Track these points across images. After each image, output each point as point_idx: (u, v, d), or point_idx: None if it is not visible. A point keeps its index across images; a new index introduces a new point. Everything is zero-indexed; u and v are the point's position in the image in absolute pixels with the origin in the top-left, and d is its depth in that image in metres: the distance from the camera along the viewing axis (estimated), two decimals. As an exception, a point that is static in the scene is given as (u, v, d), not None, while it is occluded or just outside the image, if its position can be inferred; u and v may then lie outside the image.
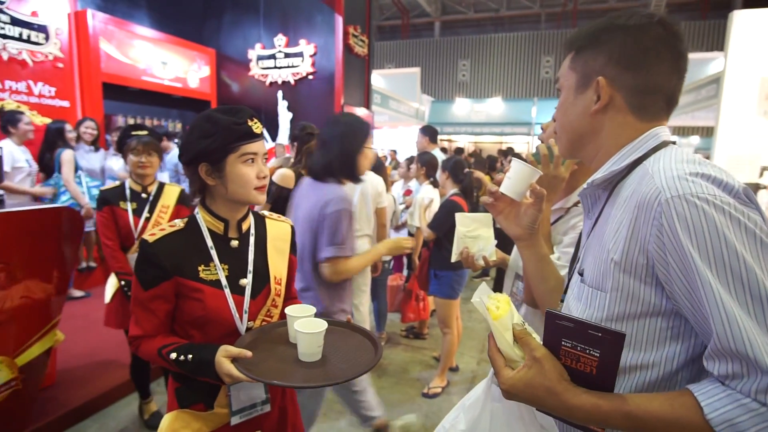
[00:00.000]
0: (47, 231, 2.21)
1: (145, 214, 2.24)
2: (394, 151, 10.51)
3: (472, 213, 1.59)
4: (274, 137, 6.01)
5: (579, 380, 0.68)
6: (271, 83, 6.09)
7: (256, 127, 1.13)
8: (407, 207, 3.98)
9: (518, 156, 6.15)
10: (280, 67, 6.02)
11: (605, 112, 0.75)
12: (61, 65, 4.51)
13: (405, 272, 4.24)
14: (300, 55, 5.87)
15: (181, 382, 1.19)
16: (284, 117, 6.05)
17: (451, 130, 15.52)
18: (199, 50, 6.14)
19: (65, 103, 4.59)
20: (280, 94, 6.04)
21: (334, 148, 1.84)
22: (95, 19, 4.75)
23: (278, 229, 1.30)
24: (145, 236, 1.12)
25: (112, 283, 2.29)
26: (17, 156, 3.63)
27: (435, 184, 3.80)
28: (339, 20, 5.60)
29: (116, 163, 4.38)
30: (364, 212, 3.07)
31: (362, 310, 3.23)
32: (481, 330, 4.16)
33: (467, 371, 3.37)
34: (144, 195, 2.27)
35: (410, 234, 3.97)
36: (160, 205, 2.27)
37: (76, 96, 4.73)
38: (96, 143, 4.35)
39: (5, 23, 4.00)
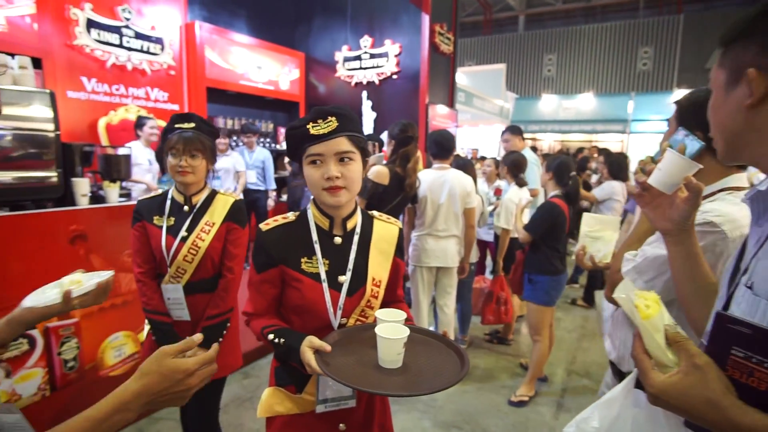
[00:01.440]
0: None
1: (182, 232, 1.71)
2: (476, 150, 10.30)
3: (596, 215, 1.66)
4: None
5: (748, 398, 0.59)
6: (356, 84, 6.22)
7: (317, 128, 1.10)
8: (495, 208, 3.85)
9: (609, 154, 5.81)
10: (365, 68, 6.12)
11: (763, 105, 0.66)
12: (173, 72, 4.99)
13: (488, 275, 4.11)
14: (385, 55, 5.93)
15: (280, 362, 1.26)
16: (368, 117, 6.16)
17: (536, 128, 14.82)
18: (290, 54, 6.46)
19: (175, 107, 5.07)
20: (364, 94, 6.16)
21: None
22: (202, 29, 5.18)
23: (385, 231, 1.29)
24: (261, 225, 1.20)
25: None
26: (139, 155, 4.12)
27: (520, 183, 3.66)
28: (425, 19, 5.56)
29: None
30: (451, 212, 3.02)
31: (447, 311, 3.19)
32: (570, 340, 3.92)
33: (557, 382, 3.19)
34: (186, 208, 1.75)
35: (496, 235, 3.85)
36: (203, 222, 1.73)
37: (184, 100, 5.20)
38: None
39: (130, 37, 4.50)
